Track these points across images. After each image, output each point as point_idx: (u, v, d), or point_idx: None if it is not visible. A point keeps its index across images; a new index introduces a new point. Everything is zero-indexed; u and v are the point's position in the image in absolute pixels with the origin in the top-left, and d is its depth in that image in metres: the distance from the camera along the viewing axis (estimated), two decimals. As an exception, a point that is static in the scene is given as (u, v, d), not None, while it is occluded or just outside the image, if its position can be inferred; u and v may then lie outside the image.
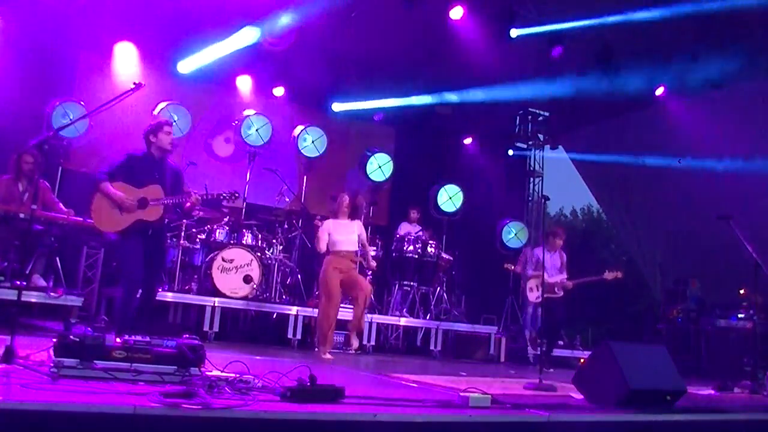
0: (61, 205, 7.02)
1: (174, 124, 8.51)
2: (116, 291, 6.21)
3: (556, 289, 8.11)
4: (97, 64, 9.15)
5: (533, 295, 8.61)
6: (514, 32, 9.21)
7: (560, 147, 12.59)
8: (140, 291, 5.45)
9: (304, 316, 7.71)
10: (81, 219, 6.75)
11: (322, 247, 6.75)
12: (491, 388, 4.08)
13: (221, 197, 5.73)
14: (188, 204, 5.46)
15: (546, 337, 8.11)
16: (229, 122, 9.72)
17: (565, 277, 8.19)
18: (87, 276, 7.48)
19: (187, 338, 3.49)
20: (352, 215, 6.90)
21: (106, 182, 5.21)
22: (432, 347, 8.65)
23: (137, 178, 5.29)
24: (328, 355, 6.53)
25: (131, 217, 5.21)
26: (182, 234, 7.91)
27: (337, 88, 10.50)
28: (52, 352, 3.21)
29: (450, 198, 10.53)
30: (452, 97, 10.70)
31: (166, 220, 5.62)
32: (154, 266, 5.49)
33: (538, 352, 8.31)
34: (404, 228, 9.42)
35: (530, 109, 12.45)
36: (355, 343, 6.96)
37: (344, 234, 6.77)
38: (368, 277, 8.93)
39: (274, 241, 8.37)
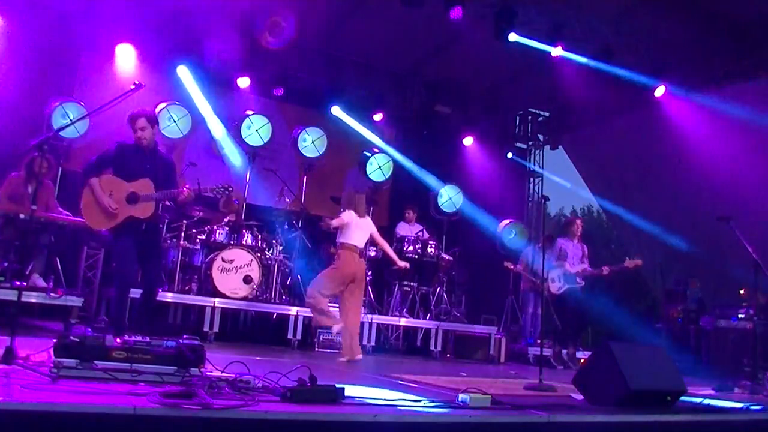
0: (60, 209, 7.02)
1: (174, 124, 8.60)
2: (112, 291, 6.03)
3: (577, 279, 8.03)
4: (98, 65, 9.15)
5: (555, 286, 8.32)
6: (513, 37, 9.19)
7: (560, 147, 12.59)
8: (140, 291, 5.31)
9: (304, 317, 7.71)
10: (81, 219, 6.75)
11: (337, 225, 6.64)
12: (491, 388, 4.08)
13: (214, 191, 5.47)
14: (181, 198, 5.21)
15: (571, 330, 8.01)
16: (229, 122, 9.72)
17: (587, 266, 8.11)
18: (87, 276, 7.49)
19: (187, 339, 3.49)
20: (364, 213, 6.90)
21: (94, 178, 5.04)
22: (432, 347, 8.65)
23: (127, 170, 5.09)
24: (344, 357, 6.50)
25: (121, 214, 5.03)
26: (182, 234, 7.91)
27: (337, 88, 10.50)
28: (52, 353, 3.21)
29: (450, 198, 10.54)
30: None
31: (167, 218, 5.50)
32: (151, 264, 5.29)
33: (565, 353, 8.23)
34: (403, 228, 9.42)
35: (530, 109, 12.45)
36: (359, 354, 6.58)
37: (362, 229, 6.75)
38: (368, 277, 8.95)
39: (274, 241, 8.37)
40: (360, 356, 6.59)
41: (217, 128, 9.72)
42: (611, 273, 8.18)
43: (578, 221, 8.59)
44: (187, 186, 5.21)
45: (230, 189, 5.59)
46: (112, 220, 5.03)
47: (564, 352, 8.43)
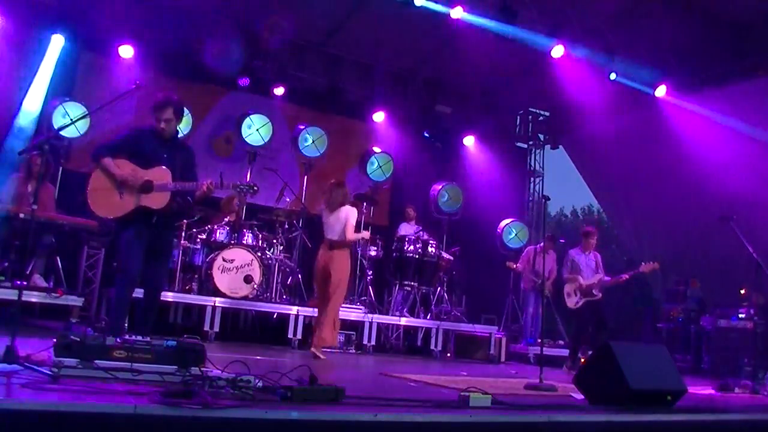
0: (56, 213, 7.02)
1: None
2: (112, 289, 5.54)
3: (594, 291, 7.79)
4: (98, 65, 9.15)
5: (572, 301, 7.96)
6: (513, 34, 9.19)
7: (560, 147, 12.60)
8: (143, 292, 4.88)
9: (305, 316, 7.70)
10: (82, 219, 6.75)
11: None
12: (492, 388, 4.08)
13: (238, 188, 5.00)
14: (199, 192, 4.74)
15: (589, 342, 7.81)
16: (229, 122, 9.72)
17: (602, 276, 7.86)
18: (87, 276, 7.48)
19: (187, 338, 3.49)
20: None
21: (107, 157, 4.57)
22: (432, 347, 8.64)
23: (143, 157, 4.64)
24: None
25: (132, 202, 4.56)
26: (183, 234, 7.91)
27: (337, 88, 10.50)
28: (52, 352, 3.21)
29: (450, 198, 10.53)
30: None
31: (175, 207, 4.81)
32: (157, 262, 4.80)
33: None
34: (404, 228, 9.43)
35: (530, 109, 12.45)
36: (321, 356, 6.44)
37: (331, 222, 6.75)
38: (368, 277, 8.95)
39: (274, 241, 8.37)
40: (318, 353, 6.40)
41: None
42: (628, 279, 7.94)
43: (590, 231, 8.21)
44: (209, 180, 4.74)
45: (256, 188, 5.10)
46: (120, 209, 4.57)
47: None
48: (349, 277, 6.76)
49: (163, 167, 4.65)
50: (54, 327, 5.99)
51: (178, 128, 4.93)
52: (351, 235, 6.57)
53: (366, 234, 7.09)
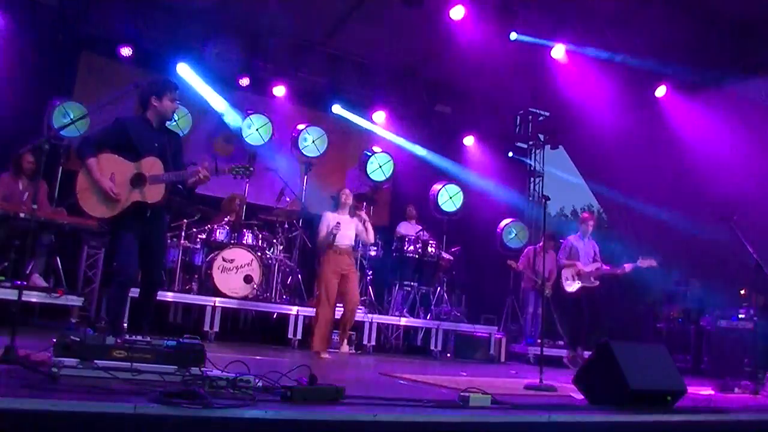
0: (50, 209, 7.01)
1: (174, 124, 8.59)
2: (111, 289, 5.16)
3: (592, 278, 7.92)
4: (98, 65, 9.15)
5: (569, 285, 8.04)
6: (514, 36, 9.19)
7: (560, 147, 12.59)
8: (138, 291, 4.71)
9: (305, 316, 7.71)
10: (81, 219, 6.75)
11: (323, 238, 6.81)
12: (491, 388, 4.08)
13: (233, 171, 4.77)
14: (193, 179, 4.50)
15: (586, 331, 7.90)
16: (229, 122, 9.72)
17: (601, 265, 7.97)
18: (87, 276, 7.47)
19: (187, 338, 3.49)
20: (351, 213, 7.01)
21: (92, 158, 4.29)
22: (432, 347, 8.65)
23: (132, 149, 4.38)
24: (327, 355, 6.61)
25: (126, 199, 4.33)
26: (183, 234, 7.91)
27: (337, 88, 10.50)
28: (52, 352, 3.21)
29: (450, 198, 10.53)
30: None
31: (171, 201, 4.66)
32: (153, 260, 4.57)
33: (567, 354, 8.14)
34: (404, 228, 9.42)
35: (530, 109, 12.45)
36: (345, 348, 7.19)
37: (343, 229, 6.82)
38: (368, 277, 8.95)
39: (274, 241, 8.38)
40: (345, 348, 7.15)
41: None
42: (626, 273, 8.04)
43: (591, 220, 8.39)
44: (204, 165, 4.49)
45: (252, 169, 4.87)
46: (114, 207, 4.31)
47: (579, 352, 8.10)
48: (320, 280, 6.90)
49: (154, 157, 4.41)
50: (54, 327, 5.99)
51: (174, 115, 4.74)
52: (317, 239, 6.96)
53: (333, 229, 6.75)
